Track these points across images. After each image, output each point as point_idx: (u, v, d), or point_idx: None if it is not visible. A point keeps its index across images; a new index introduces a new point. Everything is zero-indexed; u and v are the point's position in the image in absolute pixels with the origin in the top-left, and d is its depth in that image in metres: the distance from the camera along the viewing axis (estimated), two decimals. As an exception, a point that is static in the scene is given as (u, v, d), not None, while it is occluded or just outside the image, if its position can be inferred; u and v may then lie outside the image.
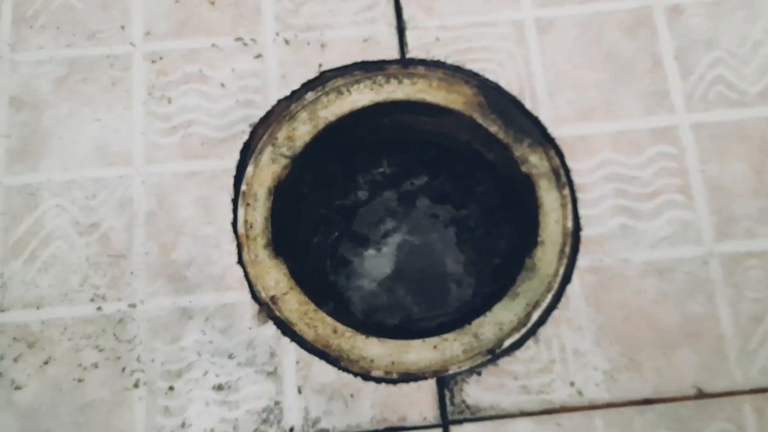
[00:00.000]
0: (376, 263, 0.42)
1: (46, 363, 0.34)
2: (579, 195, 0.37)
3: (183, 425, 0.33)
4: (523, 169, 0.37)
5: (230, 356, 0.34)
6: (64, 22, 0.39)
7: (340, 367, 0.34)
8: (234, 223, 0.36)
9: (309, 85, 0.38)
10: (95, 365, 0.34)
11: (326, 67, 0.39)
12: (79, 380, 0.34)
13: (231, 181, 0.37)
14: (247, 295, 0.35)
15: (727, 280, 0.35)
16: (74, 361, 0.34)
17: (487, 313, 0.35)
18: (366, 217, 0.43)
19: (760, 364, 0.34)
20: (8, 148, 0.36)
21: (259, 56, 0.39)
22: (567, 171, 0.37)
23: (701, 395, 0.34)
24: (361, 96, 0.38)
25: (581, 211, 0.36)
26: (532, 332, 0.35)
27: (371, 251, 0.42)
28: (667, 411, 0.33)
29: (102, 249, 0.35)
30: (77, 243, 0.35)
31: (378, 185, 0.43)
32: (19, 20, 0.39)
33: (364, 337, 0.35)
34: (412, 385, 0.34)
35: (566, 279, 0.35)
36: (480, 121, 0.38)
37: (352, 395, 0.33)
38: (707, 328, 0.35)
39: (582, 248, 0.36)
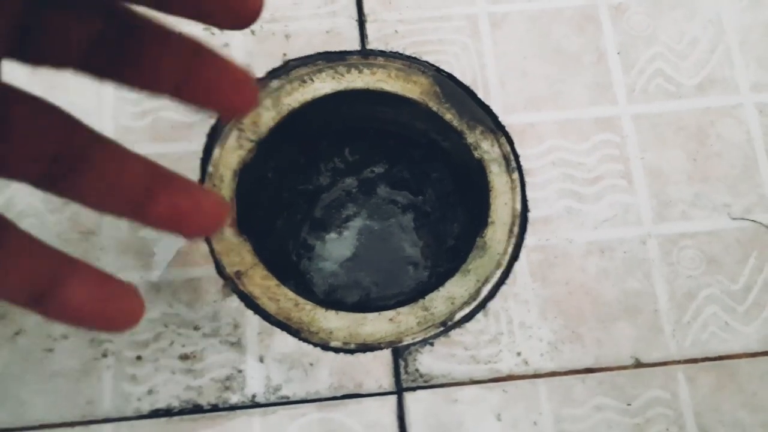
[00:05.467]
0: (337, 246, 0.44)
1: (16, 334, 0.35)
2: (527, 179, 0.39)
3: (150, 392, 0.35)
4: (476, 154, 0.39)
5: (195, 327, 0.35)
6: (37, 10, 0.40)
7: (300, 338, 0.36)
8: (200, 203, 0.38)
9: (274, 74, 0.40)
10: (65, 336, 0.35)
11: (290, 56, 0.40)
12: (49, 350, 0.35)
13: (198, 163, 0.38)
14: (213, 271, 0.37)
15: (663, 259, 0.38)
16: (44, 332, 0.35)
17: (440, 289, 0.37)
18: (328, 202, 0.44)
19: (693, 337, 0.37)
20: (-19, 131, 0.37)
21: (226, 45, 0.40)
22: (516, 156, 0.39)
23: (638, 365, 0.36)
24: (324, 84, 0.40)
25: (529, 194, 0.38)
26: (482, 306, 0.37)
27: (333, 235, 0.44)
28: (606, 379, 0.36)
29: (72, 226, 0.37)
30: (48, 220, 0.37)
31: (340, 172, 0.45)
32: (-6, 7, 0.40)
33: (323, 310, 0.36)
34: (369, 355, 0.36)
35: (514, 257, 0.38)
36: (435, 109, 0.40)
37: (311, 364, 0.35)
38: (645, 303, 0.37)
39: (529, 228, 0.38)
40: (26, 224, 0.36)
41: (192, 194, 0.25)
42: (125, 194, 0.24)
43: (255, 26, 0.41)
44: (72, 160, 0.23)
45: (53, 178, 0.23)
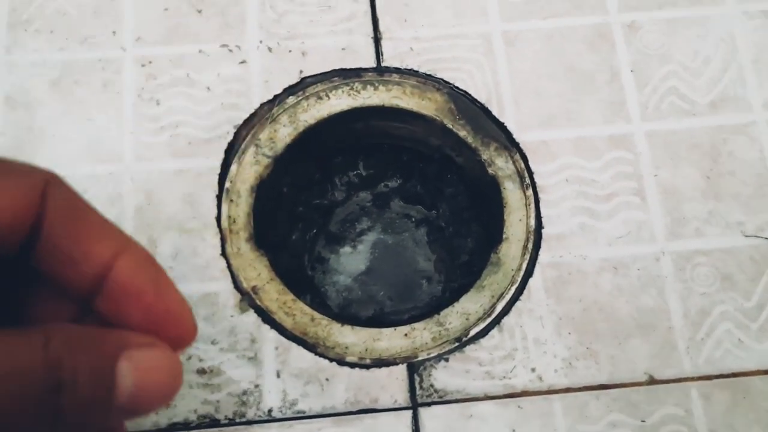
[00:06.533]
0: (352, 260, 0.44)
1: (37, 347, 0.35)
2: (541, 196, 0.39)
3: (168, 406, 0.35)
4: (490, 171, 0.40)
5: (213, 342, 0.36)
6: (57, 26, 0.41)
7: (316, 353, 0.36)
8: (218, 218, 0.38)
9: (290, 90, 0.41)
10: (84, 350, 0.35)
11: (307, 73, 0.41)
12: (69, 364, 0.35)
13: (216, 178, 0.39)
14: (230, 285, 0.37)
15: (677, 276, 0.38)
16: (64, 345, 0.35)
17: (455, 304, 0.37)
18: (342, 216, 0.45)
19: (707, 354, 0.37)
20: (2, 145, 0.38)
21: (243, 62, 0.41)
22: (531, 173, 0.39)
23: (652, 381, 0.36)
24: (339, 101, 0.41)
25: (543, 211, 0.39)
26: (497, 322, 0.37)
27: (347, 248, 0.44)
28: (620, 396, 0.36)
29: (92, 241, 0.37)
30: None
31: (354, 187, 0.45)
32: (15, 24, 0.41)
33: (339, 325, 0.37)
34: (384, 370, 0.36)
35: (529, 273, 0.38)
36: (450, 126, 0.40)
37: (327, 379, 0.36)
38: (658, 320, 0.37)
39: (544, 245, 0.38)
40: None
41: None
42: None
43: (272, 43, 0.41)
44: None
45: None
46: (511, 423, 0.35)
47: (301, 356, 0.36)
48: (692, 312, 0.37)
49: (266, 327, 0.36)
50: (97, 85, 0.40)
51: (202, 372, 0.35)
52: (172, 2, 0.42)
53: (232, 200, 0.38)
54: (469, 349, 0.37)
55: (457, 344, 0.37)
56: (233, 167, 0.39)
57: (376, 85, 0.41)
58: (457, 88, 0.41)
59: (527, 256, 0.38)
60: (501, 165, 0.40)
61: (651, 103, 0.41)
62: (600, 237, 0.38)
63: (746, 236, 0.39)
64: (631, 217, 0.39)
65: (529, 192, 0.39)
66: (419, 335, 0.37)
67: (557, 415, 0.35)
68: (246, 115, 0.40)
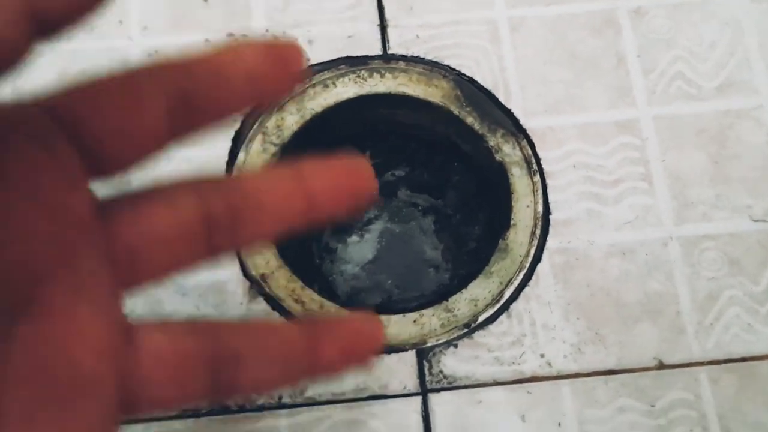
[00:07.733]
0: (359, 249, 0.44)
1: (47, 336, 0.35)
2: (549, 181, 0.39)
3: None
4: (497, 157, 0.40)
5: (222, 330, 0.36)
6: (64, 17, 0.41)
7: (325, 340, 0.36)
8: (226, 207, 0.38)
9: (297, 79, 0.40)
10: (94, 338, 0.36)
11: (313, 61, 0.41)
12: (79, 352, 0.35)
13: (224, 167, 0.39)
14: (239, 273, 0.37)
15: (685, 261, 0.38)
16: (74, 334, 0.36)
17: (464, 291, 0.38)
18: (349, 205, 0.45)
19: (716, 338, 0.37)
20: (9, 136, 0.38)
21: (249, 51, 0.41)
22: (537, 159, 0.39)
23: (661, 366, 0.36)
24: (346, 89, 0.41)
25: (551, 197, 0.39)
26: (505, 308, 0.37)
27: (354, 238, 0.44)
28: (629, 380, 0.36)
29: (101, 230, 0.37)
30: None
31: (361, 175, 0.45)
32: (21, 15, 0.41)
33: (348, 312, 0.37)
34: (393, 356, 0.36)
35: (537, 259, 0.38)
36: (457, 113, 0.40)
37: (336, 366, 0.36)
38: (666, 304, 0.37)
39: (551, 231, 0.38)
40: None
41: (348, 326, 0.25)
42: (291, 364, 0.23)
43: (278, 31, 0.41)
44: (229, 365, 0.21)
45: (220, 389, 0.21)
46: (520, 408, 0.35)
47: (310, 343, 0.36)
48: (700, 297, 0.37)
49: (275, 314, 0.36)
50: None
51: (212, 359, 0.35)
52: (178, -8, 0.42)
53: (239, 189, 0.38)
54: (477, 335, 0.37)
55: (465, 330, 0.37)
56: (241, 155, 0.39)
57: (383, 72, 0.41)
58: (464, 74, 0.41)
59: (535, 242, 0.38)
60: (508, 151, 0.40)
61: (657, 88, 0.41)
62: (607, 222, 0.38)
63: (754, 220, 0.39)
64: (638, 203, 0.39)
65: (536, 178, 0.39)
66: (428, 321, 0.37)
67: (566, 400, 0.35)
68: (253, 104, 0.40)
